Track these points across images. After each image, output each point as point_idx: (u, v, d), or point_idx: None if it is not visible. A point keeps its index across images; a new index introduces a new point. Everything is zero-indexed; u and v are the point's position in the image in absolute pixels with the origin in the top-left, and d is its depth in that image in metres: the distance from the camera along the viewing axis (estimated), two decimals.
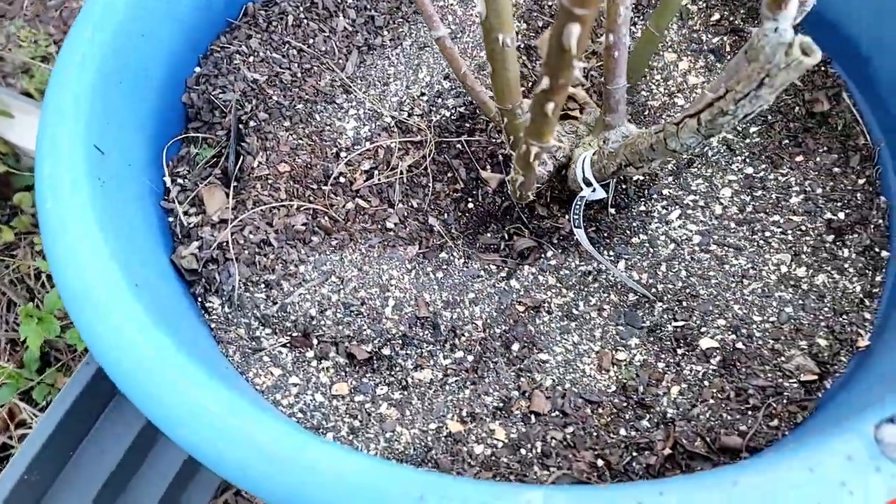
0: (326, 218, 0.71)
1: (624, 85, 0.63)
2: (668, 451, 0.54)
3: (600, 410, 0.60)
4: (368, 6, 0.87)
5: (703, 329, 0.65)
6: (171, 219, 0.67)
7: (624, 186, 0.78)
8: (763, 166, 0.77)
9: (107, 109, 0.60)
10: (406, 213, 0.75)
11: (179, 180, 0.69)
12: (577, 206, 0.70)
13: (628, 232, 0.75)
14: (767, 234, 0.71)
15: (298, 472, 0.40)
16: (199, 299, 0.64)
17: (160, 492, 0.80)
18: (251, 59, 0.77)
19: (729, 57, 0.86)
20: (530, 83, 0.85)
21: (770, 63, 0.45)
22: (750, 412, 0.56)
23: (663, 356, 0.64)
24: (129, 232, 0.57)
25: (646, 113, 0.83)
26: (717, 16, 0.88)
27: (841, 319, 0.63)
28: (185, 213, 0.66)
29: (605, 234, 0.75)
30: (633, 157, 0.61)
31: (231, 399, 0.43)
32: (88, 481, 0.76)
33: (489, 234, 0.76)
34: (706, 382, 0.60)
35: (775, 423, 0.55)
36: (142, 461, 0.83)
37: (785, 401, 0.57)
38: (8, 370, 0.82)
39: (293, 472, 0.40)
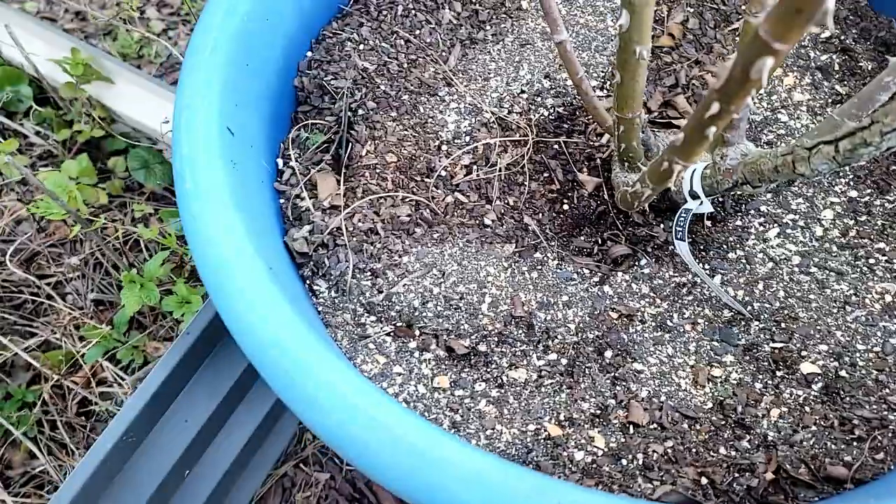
0: (428, 210, 0.72)
1: (748, 104, 0.62)
2: (770, 475, 0.55)
3: (698, 427, 0.60)
4: (473, 1, 0.87)
5: (803, 353, 0.64)
6: (282, 201, 0.69)
7: (721, 199, 0.77)
8: (868, 191, 0.76)
9: (235, 92, 0.62)
10: (503, 211, 0.76)
11: (291, 163, 0.70)
12: (682, 218, 0.70)
13: (725, 247, 0.75)
14: (871, 261, 0.70)
15: (436, 466, 0.41)
16: (307, 282, 0.66)
17: (235, 452, 0.83)
18: (361, 46, 0.78)
19: (838, 75, 0.84)
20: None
21: None
22: (855, 443, 0.56)
23: (760, 377, 0.64)
24: (254, 212, 0.59)
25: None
26: (827, 33, 0.86)
27: None
28: (298, 197, 0.68)
29: (701, 247, 0.75)
30: (751, 176, 0.60)
31: (366, 386, 0.45)
32: (173, 445, 0.80)
33: (583, 238, 0.77)
34: (808, 408, 0.60)
35: (881, 455, 0.55)
36: (219, 429, 0.86)
37: (890, 434, 0.57)
38: (102, 331, 0.85)
39: (430, 466, 0.41)
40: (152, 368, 0.75)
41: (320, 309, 0.64)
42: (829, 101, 0.83)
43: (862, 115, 0.56)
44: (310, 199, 0.67)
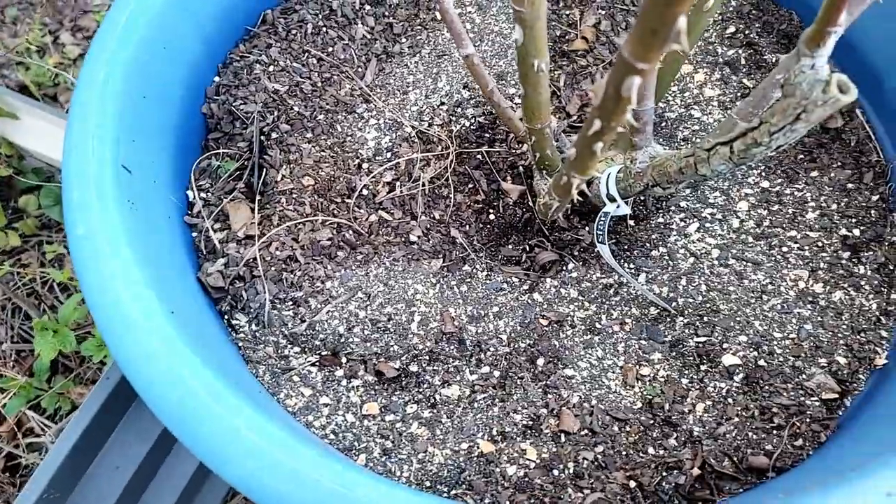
0: (351, 232, 0.71)
1: (652, 107, 0.63)
2: (696, 470, 0.56)
3: (628, 428, 0.61)
4: (387, 13, 0.86)
5: (724, 345, 0.66)
6: (194, 234, 0.67)
7: (642, 198, 0.79)
8: (779, 180, 0.78)
9: (132, 126, 0.59)
10: (429, 226, 0.75)
11: (203, 194, 0.68)
12: (601, 222, 0.71)
13: (648, 244, 0.76)
14: (785, 249, 0.72)
15: None
16: (226, 317, 0.63)
17: (172, 500, 0.80)
18: (271, 68, 0.76)
19: (745, 69, 0.87)
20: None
21: (807, 99, 0.45)
22: (775, 431, 0.58)
23: (686, 372, 0.66)
24: (159, 252, 0.56)
25: (663, 125, 0.84)
26: (732, 28, 0.89)
27: (859, 337, 0.64)
28: (211, 229, 0.65)
29: (626, 247, 0.76)
30: (660, 179, 0.61)
31: (278, 432, 0.43)
32: (104, 495, 0.76)
33: (511, 246, 0.77)
34: (730, 400, 0.62)
35: (800, 442, 0.57)
36: (154, 473, 0.83)
37: (808, 420, 0.58)
38: (19, 382, 0.81)
39: None
40: (70, 420, 0.72)
41: (241, 345, 0.62)
42: (738, 94, 0.85)
43: (757, 114, 0.58)
44: (223, 230, 0.65)
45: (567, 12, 0.91)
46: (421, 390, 0.64)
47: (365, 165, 0.76)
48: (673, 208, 0.79)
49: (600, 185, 0.70)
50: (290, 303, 0.64)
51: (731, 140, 0.51)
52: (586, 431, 0.60)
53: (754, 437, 0.58)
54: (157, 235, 0.58)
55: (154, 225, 0.58)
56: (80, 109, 0.56)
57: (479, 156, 0.82)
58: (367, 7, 0.84)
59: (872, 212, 0.73)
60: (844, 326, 0.65)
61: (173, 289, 0.54)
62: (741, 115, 0.58)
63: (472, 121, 0.84)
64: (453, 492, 0.55)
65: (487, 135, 0.84)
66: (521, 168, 0.82)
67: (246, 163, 0.70)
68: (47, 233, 1.06)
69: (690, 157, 0.56)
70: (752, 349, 0.65)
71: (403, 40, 0.87)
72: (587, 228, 0.78)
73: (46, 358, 0.75)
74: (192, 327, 0.51)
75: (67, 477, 0.71)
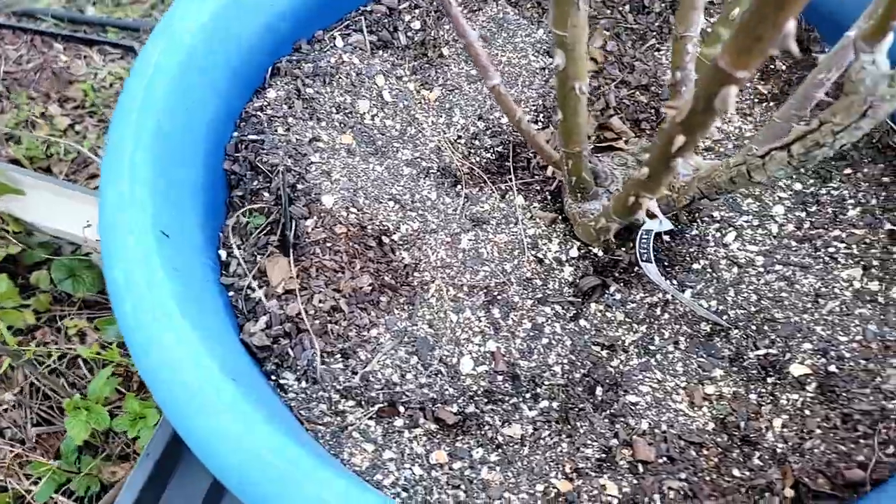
0: (390, 275, 0.69)
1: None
2: (789, 490, 0.53)
3: (705, 452, 0.58)
4: (396, 55, 0.86)
5: (788, 355, 0.64)
6: (231, 294, 0.64)
7: (674, 213, 0.78)
8: (811, 181, 0.77)
9: (165, 193, 0.57)
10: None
11: (235, 252, 0.66)
12: (644, 240, 0.69)
13: (688, 259, 0.74)
14: (832, 249, 0.71)
15: None
16: (273, 378, 0.61)
17: None
18: (290, 119, 0.74)
19: (757, 76, 0.87)
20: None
21: (873, 96, 0.45)
22: (862, 440, 0.55)
23: (753, 386, 0.63)
24: (208, 317, 0.54)
25: None
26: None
27: None
28: (249, 288, 0.63)
29: (665, 263, 0.74)
30: (708, 190, 0.60)
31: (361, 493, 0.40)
32: None
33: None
34: (808, 412, 0.59)
35: (891, 449, 0.54)
36: None
37: (894, 424, 0.56)
38: (50, 467, 0.76)
39: None
40: (116, 497, 0.68)
41: (293, 405, 0.59)
42: (755, 101, 0.85)
43: (802, 115, 0.57)
44: (261, 287, 0.63)
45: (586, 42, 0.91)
46: (483, 432, 0.61)
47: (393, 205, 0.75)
48: (706, 219, 0.77)
49: None
50: (339, 355, 0.61)
51: (789, 144, 0.50)
52: (664, 459, 0.58)
53: (843, 448, 0.55)
54: (202, 300, 0.55)
55: (197, 289, 0.56)
56: (113, 181, 0.54)
57: (502, 185, 0.81)
58: (379, 52, 0.84)
59: None
60: None
61: (227, 355, 0.51)
62: (786, 119, 0.57)
63: (492, 151, 0.84)
64: None
65: (508, 164, 0.82)
66: (547, 194, 0.80)
67: (276, 217, 0.68)
68: (59, 307, 1.03)
69: (742, 165, 0.55)
70: (819, 356, 0.63)
71: (416, 79, 0.86)
72: (623, 248, 0.76)
73: (78, 438, 0.71)
74: (253, 393, 0.48)
75: None
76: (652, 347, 0.68)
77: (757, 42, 0.27)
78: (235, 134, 0.73)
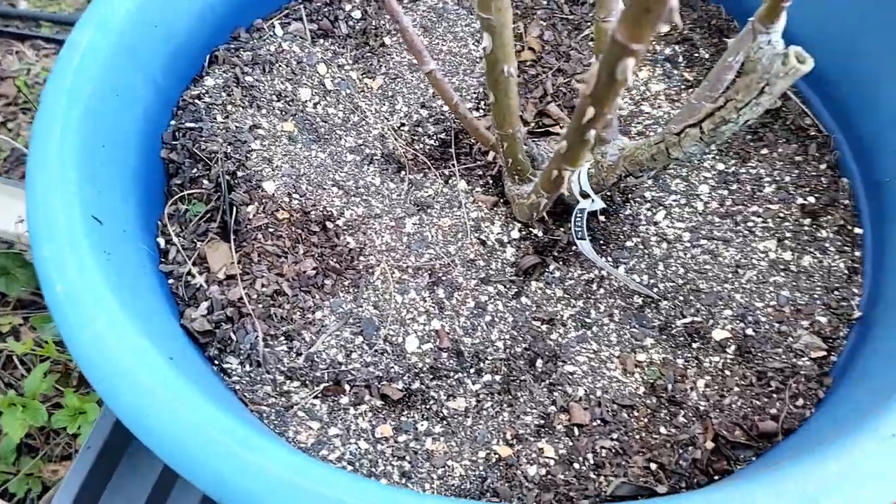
0: (334, 258, 0.70)
1: (618, 103, 0.65)
2: (710, 443, 0.57)
3: (637, 413, 0.62)
4: (337, 44, 0.86)
5: (711, 321, 0.68)
6: (171, 281, 0.64)
7: (609, 193, 0.81)
8: (733, 161, 0.82)
9: (95, 178, 0.57)
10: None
11: (175, 239, 0.66)
12: (579, 219, 0.72)
13: (621, 236, 0.78)
14: (750, 223, 0.76)
15: None
16: (216, 362, 0.61)
17: None
18: (229, 107, 0.74)
19: (683, 64, 0.91)
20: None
21: (769, 73, 0.49)
22: (775, 395, 0.60)
23: (680, 352, 0.67)
24: (141, 302, 0.54)
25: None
26: (666, 27, 0.94)
27: (833, 295, 0.68)
28: (189, 274, 0.63)
29: (601, 242, 0.78)
30: (633, 168, 0.64)
31: (307, 464, 0.42)
32: None
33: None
34: (728, 371, 0.63)
35: (800, 402, 0.59)
36: None
37: (803, 379, 0.61)
38: None
39: None
40: (54, 495, 0.66)
41: (237, 388, 0.59)
42: (681, 87, 0.90)
43: (714, 96, 0.61)
44: (201, 274, 0.63)
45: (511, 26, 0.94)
46: (428, 406, 0.63)
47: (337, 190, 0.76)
48: (639, 199, 0.81)
49: (573, 183, 0.72)
50: (283, 338, 0.62)
51: (700, 121, 0.54)
52: (598, 422, 0.61)
53: (758, 403, 0.60)
54: (137, 285, 0.55)
55: (131, 275, 0.55)
56: (41, 168, 0.53)
57: (446, 171, 0.83)
58: (320, 40, 0.85)
59: (822, 179, 0.78)
60: (818, 287, 0.69)
61: (163, 336, 0.52)
62: (700, 99, 0.61)
63: (434, 138, 0.85)
64: (480, 501, 0.54)
65: (451, 150, 0.85)
66: (489, 178, 0.83)
67: (216, 204, 0.68)
68: None
69: (661, 142, 0.58)
70: (738, 321, 0.67)
71: (358, 67, 0.87)
72: (562, 229, 0.79)
73: (16, 436, 0.70)
74: (195, 376, 0.48)
75: None
76: (588, 320, 0.72)
77: (646, 13, 0.30)
78: (173, 122, 0.73)
